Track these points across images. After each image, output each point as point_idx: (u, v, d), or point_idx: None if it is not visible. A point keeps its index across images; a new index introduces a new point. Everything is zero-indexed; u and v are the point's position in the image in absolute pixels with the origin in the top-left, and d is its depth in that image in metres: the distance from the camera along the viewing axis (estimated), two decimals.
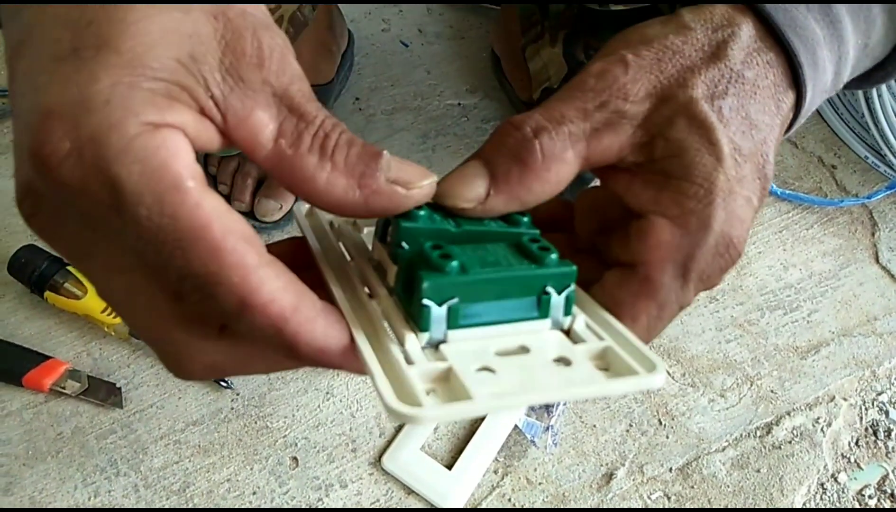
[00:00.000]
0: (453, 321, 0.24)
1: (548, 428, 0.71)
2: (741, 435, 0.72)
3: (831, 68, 0.30)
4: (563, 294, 0.25)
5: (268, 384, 0.73)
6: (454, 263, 0.23)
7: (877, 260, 0.85)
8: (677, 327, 0.79)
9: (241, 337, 0.24)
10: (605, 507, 0.68)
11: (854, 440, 0.74)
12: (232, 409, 0.71)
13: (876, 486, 0.72)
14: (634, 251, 0.27)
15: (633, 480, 0.69)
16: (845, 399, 0.76)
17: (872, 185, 0.90)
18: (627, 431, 0.72)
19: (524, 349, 0.24)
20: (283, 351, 0.23)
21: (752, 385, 0.75)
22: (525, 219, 0.28)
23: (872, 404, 0.76)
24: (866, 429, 0.75)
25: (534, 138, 0.26)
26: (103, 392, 0.70)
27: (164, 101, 0.21)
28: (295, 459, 0.69)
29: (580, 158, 0.27)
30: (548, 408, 0.71)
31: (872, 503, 0.71)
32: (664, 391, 0.74)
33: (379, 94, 0.94)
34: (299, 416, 0.71)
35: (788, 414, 0.74)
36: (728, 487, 0.69)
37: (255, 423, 0.71)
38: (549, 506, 0.68)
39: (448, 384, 0.23)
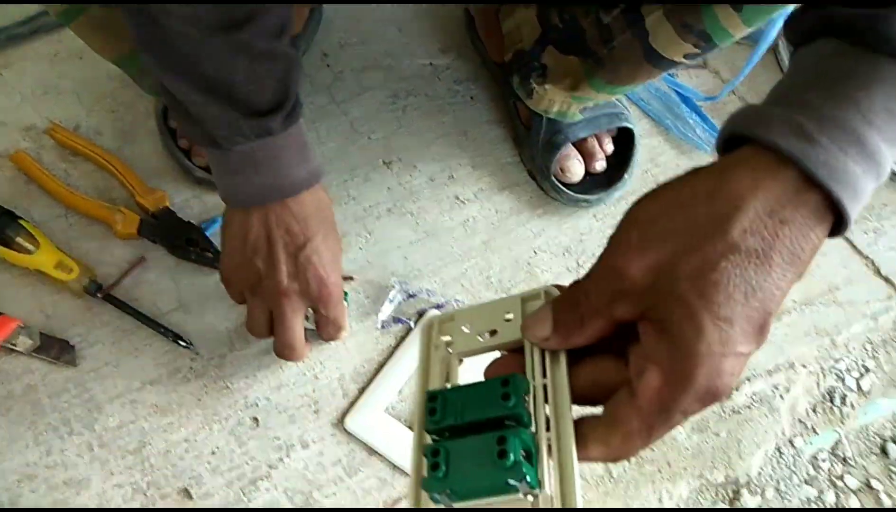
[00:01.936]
0: (453, 498, 0.34)
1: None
2: None
3: (872, 186, 0.33)
4: (522, 481, 0.32)
5: (229, 344, 0.71)
6: (440, 474, 0.34)
7: None
8: None
9: None
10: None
11: (811, 406, 0.76)
12: (191, 369, 0.70)
13: (829, 450, 0.74)
14: (636, 384, 0.33)
15: None
16: (804, 366, 0.77)
17: None
18: None
19: None
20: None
21: None
22: (510, 402, 0.35)
23: (830, 372, 0.77)
24: (823, 395, 0.76)
25: (575, 309, 0.36)
26: (56, 350, 0.68)
27: None
28: (255, 419, 0.68)
29: (606, 321, 0.35)
30: None
31: (826, 467, 0.73)
32: None
33: (348, 51, 0.92)
34: (261, 376, 0.70)
35: (748, 380, 0.75)
36: (688, 449, 0.70)
37: (216, 383, 0.69)
38: None
39: None
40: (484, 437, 0.34)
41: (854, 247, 0.85)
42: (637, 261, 0.33)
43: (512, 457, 0.32)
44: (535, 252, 0.81)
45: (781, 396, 0.75)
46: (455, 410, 0.36)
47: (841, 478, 0.73)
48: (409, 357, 0.72)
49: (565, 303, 0.37)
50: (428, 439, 0.37)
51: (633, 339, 0.35)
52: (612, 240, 0.36)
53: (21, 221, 0.71)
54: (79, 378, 0.68)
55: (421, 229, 0.80)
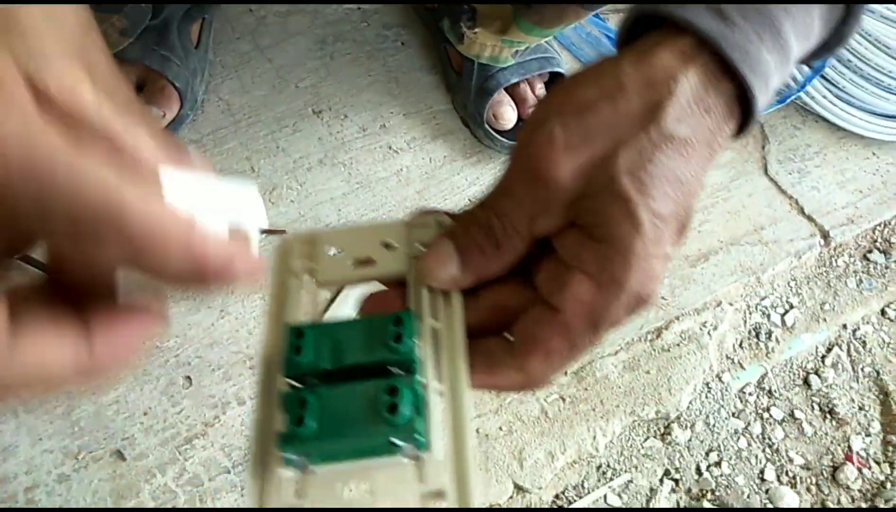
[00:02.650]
0: (314, 461, 0.28)
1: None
2: (633, 339, 0.75)
3: (776, 84, 0.31)
4: (411, 442, 0.27)
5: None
6: (307, 430, 0.27)
7: (766, 172, 0.88)
8: None
9: None
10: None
11: (738, 342, 0.78)
12: None
13: (756, 384, 0.77)
14: (557, 298, 0.30)
15: None
16: (731, 304, 0.79)
17: None
18: None
19: (369, 487, 0.28)
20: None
21: None
22: (404, 345, 0.30)
23: (756, 309, 0.80)
24: (749, 332, 0.79)
25: (488, 233, 0.31)
26: None
27: None
28: (188, 378, 0.67)
29: (526, 241, 0.31)
30: None
31: (752, 400, 0.76)
32: None
33: None
34: (192, 334, 0.69)
35: (678, 319, 0.77)
36: (620, 387, 0.72)
37: (151, 346, 0.68)
38: None
39: None
40: (365, 386, 0.28)
41: (778, 187, 0.87)
42: (565, 163, 0.30)
43: (405, 412, 0.27)
44: (469, 201, 0.80)
45: (709, 334, 0.77)
46: (328, 352, 0.30)
47: (767, 410, 0.76)
48: (348, 309, 0.71)
49: (472, 230, 0.32)
50: (284, 387, 0.30)
51: (538, 255, 0.32)
52: (526, 144, 0.31)
53: None
54: None
55: (354, 180, 0.79)
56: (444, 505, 0.28)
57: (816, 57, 0.35)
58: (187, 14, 0.76)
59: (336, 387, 0.28)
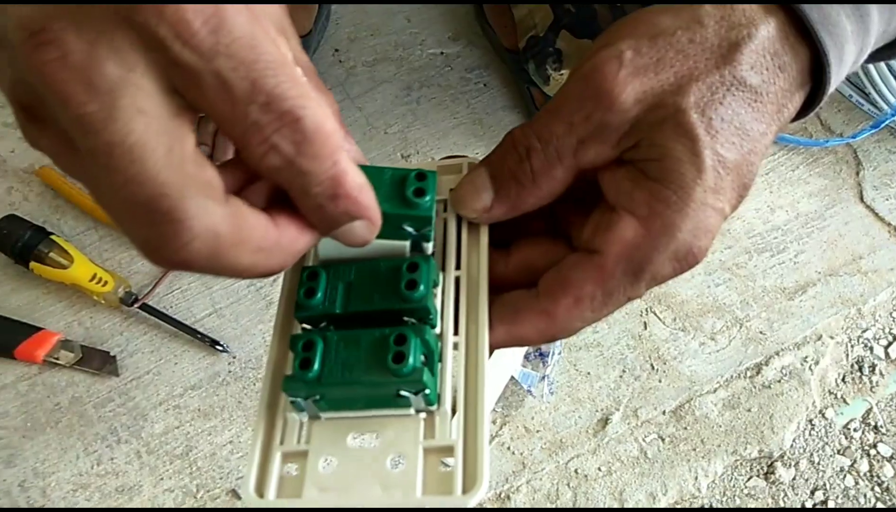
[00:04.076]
0: (321, 407, 0.27)
1: (543, 377, 0.72)
2: (732, 376, 0.74)
3: (852, 60, 0.30)
4: (420, 395, 0.26)
5: (264, 347, 0.73)
6: (312, 373, 0.26)
7: (861, 199, 0.86)
8: None
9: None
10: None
11: (840, 377, 0.76)
12: (230, 372, 0.71)
13: (861, 419, 0.75)
14: (597, 240, 0.28)
15: (628, 423, 0.71)
16: (832, 337, 0.78)
17: (857, 125, 0.91)
18: (621, 376, 0.74)
19: (377, 437, 0.27)
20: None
21: (741, 327, 0.77)
22: (417, 293, 0.28)
23: (858, 341, 0.78)
24: (852, 365, 0.77)
25: (525, 160, 0.28)
26: (98, 361, 0.70)
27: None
28: None
29: (569, 171, 0.28)
30: (542, 357, 0.72)
31: (857, 436, 0.74)
32: (655, 336, 0.75)
33: (359, 45, 0.92)
34: None
35: (777, 354, 0.76)
36: (720, 426, 0.71)
37: (254, 385, 0.71)
38: (546, 451, 0.69)
39: (303, 465, 0.27)
40: (375, 333, 0.27)
41: (875, 214, 0.85)
42: (632, 84, 0.27)
43: (411, 362, 0.26)
44: None
45: (811, 369, 0.75)
46: (341, 296, 0.28)
47: (874, 446, 0.73)
48: None
49: (509, 156, 0.29)
50: (297, 329, 0.30)
51: (570, 210, 0.29)
52: (590, 65, 0.28)
53: (53, 237, 0.73)
54: (122, 387, 0.70)
55: None
56: (451, 463, 0.26)
57: (893, 54, 0.33)
58: None
59: (346, 333, 0.27)
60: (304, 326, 0.29)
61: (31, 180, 0.80)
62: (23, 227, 0.72)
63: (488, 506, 0.68)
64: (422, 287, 0.27)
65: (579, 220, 0.30)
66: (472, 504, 0.24)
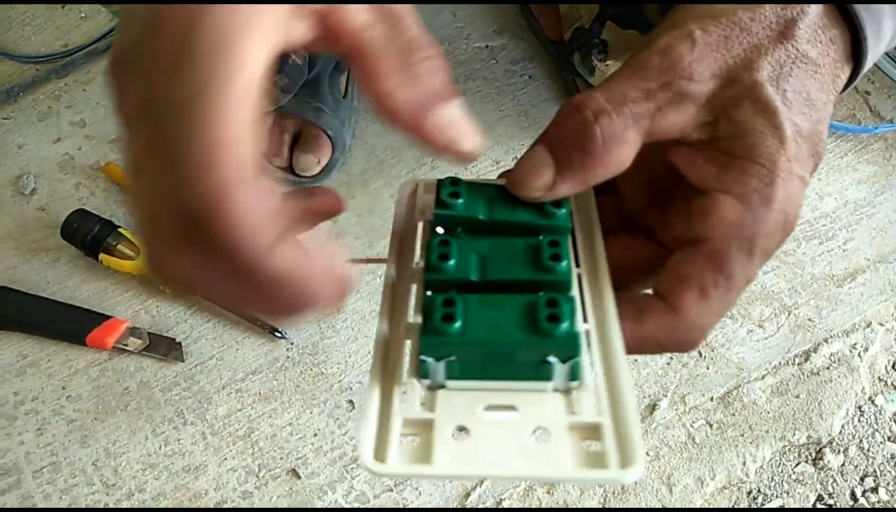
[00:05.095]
0: (451, 373, 0.25)
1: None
2: (780, 363, 0.75)
3: (890, 35, 0.30)
4: (568, 363, 0.24)
5: (320, 333, 0.76)
6: (455, 327, 0.24)
7: None
8: None
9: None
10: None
11: (890, 364, 0.76)
12: (288, 357, 0.74)
13: None
14: (699, 228, 0.28)
15: (676, 409, 0.72)
16: (881, 324, 0.77)
17: None
18: (668, 363, 0.75)
19: (513, 409, 0.25)
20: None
21: (789, 314, 0.77)
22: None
23: None
24: None
25: (594, 123, 0.27)
26: (164, 347, 0.74)
27: None
28: (351, 402, 0.73)
29: (642, 137, 0.27)
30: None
31: None
32: None
33: None
34: (352, 362, 0.74)
35: (826, 341, 0.76)
36: (768, 413, 0.72)
37: (311, 369, 0.74)
38: None
39: (427, 434, 0.24)
40: (519, 298, 0.25)
41: None
42: (706, 59, 0.27)
43: (566, 324, 0.24)
44: None
45: (860, 355, 0.75)
46: (475, 265, 0.27)
47: None
48: None
49: (570, 121, 0.27)
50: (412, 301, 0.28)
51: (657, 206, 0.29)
52: (665, 37, 0.28)
53: (120, 230, 0.77)
54: (187, 372, 0.74)
55: None
56: (595, 445, 0.24)
57: None
58: (336, 67, 0.82)
59: (486, 296, 0.26)
60: (428, 292, 0.27)
61: (98, 176, 0.84)
62: (92, 221, 0.76)
63: (532, 492, 0.69)
64: (565, 262, 0.26)
65: (658, 215, 0.31)
66: (628, 481, 0.23)
